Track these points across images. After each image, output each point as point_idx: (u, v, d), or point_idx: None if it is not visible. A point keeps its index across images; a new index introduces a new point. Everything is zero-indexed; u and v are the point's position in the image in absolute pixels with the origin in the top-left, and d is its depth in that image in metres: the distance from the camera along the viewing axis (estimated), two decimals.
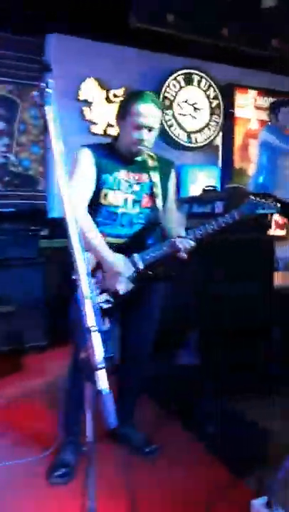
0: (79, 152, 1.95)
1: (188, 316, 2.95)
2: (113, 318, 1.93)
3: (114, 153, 1.98)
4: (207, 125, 4.86)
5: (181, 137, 4.72)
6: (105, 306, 1.89)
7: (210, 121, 4.87)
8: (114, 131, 4.27)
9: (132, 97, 1.95)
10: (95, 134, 4.26)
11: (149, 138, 1.93)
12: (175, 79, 4.64)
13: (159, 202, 2.00)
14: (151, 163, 2.03)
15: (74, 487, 1.81)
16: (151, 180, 2.01)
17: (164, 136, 4.45)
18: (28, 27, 3.82)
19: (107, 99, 4.33)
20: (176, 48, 4.39)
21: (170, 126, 4.62)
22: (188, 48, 4.35)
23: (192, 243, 1.93)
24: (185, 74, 4.69)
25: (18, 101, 4.11)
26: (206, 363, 2.83)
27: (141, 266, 1.92)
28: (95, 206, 1.94)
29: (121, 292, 1.89)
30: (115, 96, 4.32)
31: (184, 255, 1.93)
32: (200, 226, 1.96)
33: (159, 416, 2.46)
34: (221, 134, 4.98)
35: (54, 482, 1.86)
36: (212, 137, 4.91)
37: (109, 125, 4.29)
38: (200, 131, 4.83)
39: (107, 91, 4.31)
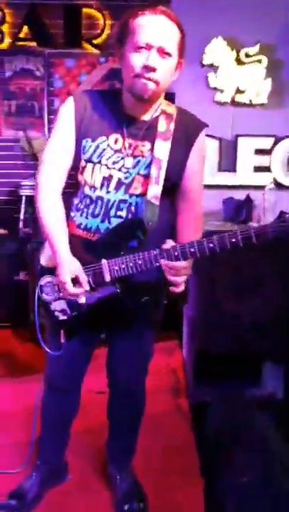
0: (62, 106, 1.45)
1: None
2: (79, 337, 1.54)
3: (109, 107, 1.42)
4: None
5: None
6: (61, 317, 1.51)
7: None
8: (245, 98, 3.64)
9: (131, 12, 1.34)
10: (221, 104, 3.68)
11: (159, 66, 1.29)
12: None
13: (153, 190, 1.37)
14: (164, 123, 1.39)
15: None
16: (153, 154, 1.38)
17: None
18: None
19: (238, 60, 3.66)
20: None
21: None
22: None
23: (178, 263, 1.32)
24: None
25: None
26: None
27: (107, 278, 1.40)
28: (74, 182, 1.50)
29: (80, 302, 1.46)
30: (247, 56, 3.62)
31: (171, 277, 1.33)
32: (200, 240, 1.32)
33: None
34: None
35: None
36: None
37: (239, 91, 3.64)
38: None
39: (238, 51, 3.64)
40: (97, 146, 1.41)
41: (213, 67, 3.68)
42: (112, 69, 4.16)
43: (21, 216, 3.79)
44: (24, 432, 1.81)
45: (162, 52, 1.30)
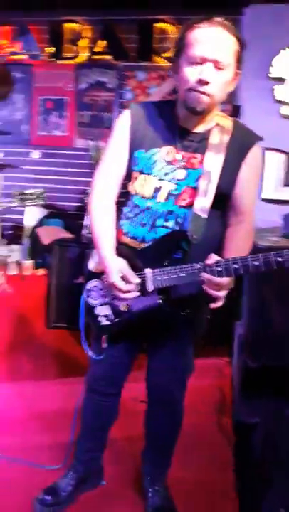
0: (119, 117, 1.50)
1: None
2: (120, 344, 1.57)
3: (163, 118, 1.44)
4: None
5: None
6: (103, 322, 1.55)
7: None
8: None
9: (188, 24, 1.34)
10: (287, 117, 3.59)
11: (214, 80, 1.28)
12: None
13: (200, 202, 1.37)
14: (217, 135, 1.39)
15: None
16: (203, 166, 1.39)
17: None
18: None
19: None
20: None
21: None
22: None
23: (220, 279, 1.30)
24: None
25: None
26: None
27: (150, 287, 1.41)
28: (127, 192, 1.54)
29: (122, 309, 1.49)
30: None
31: (212, 291, 1.33)
32: (244, 256, 1.30)
33: None
34: None
35: (34, 507, 1.67)
36: None
37: None
38: None
39: None
40: (150, 158, 1.43)
41: (280, 80, 3.61)
42: None
43: (85, 222, 3.91)
44: (66, 432, 1.86)
45: (217, 66, 1.30)
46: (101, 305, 1.53)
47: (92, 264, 1.59)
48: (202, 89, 1.31)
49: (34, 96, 4.47)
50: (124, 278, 1.40)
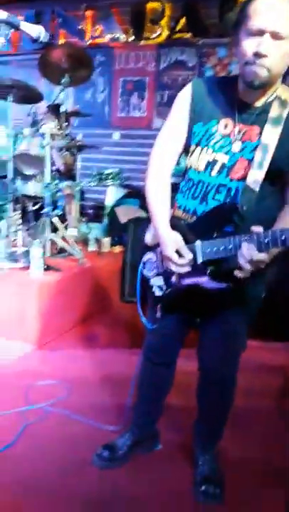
0: (181, 91, 1.47)
1: None
2: (174, 315, 1.62)
3: (224, 93, 1.42)
4: None
5: None
6: (157, 292, 1.61)
7: None
8: None
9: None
10: None
11: (272, 52, 1.23)
12: None
13: (254, 175, 1.34)
14: (277, 109, 1.34)
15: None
16: (260, 139, 1.33)
17: None
18: None
19: None
20: None
21: None
22: None
23: (258, 254, 1.25)
24: None
25: None
26: None
27: (199, 259, 1.42)
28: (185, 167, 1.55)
29: (174, 280, 1.54)
30: None
31: (245, 265, 1.29)
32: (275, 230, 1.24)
33: None
34: None
35: (93, 459, 1.81)
36: None
37: None
38: None
39: None
40: (207, 130, 1.42)
41: None
42: None
43: None
44: (128, 397, 1.97)
45: (276, 37, 1.22)
46: (155, 276, 1.59)
47: (148, 238, 1.65)
48: (259, 61, 1.25)
49: (115, 78, 4.59)
50: (178, 252, 1.43)
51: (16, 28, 1.65)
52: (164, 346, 1.70)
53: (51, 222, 3.33)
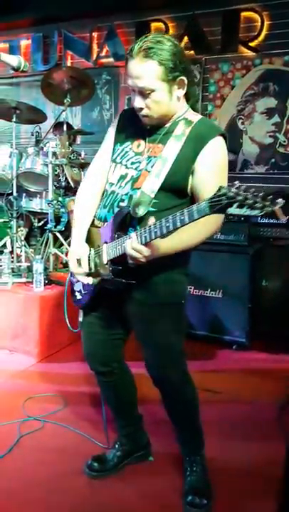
0: (114, 119, 1.73)
1: None
2: (96, 319, 1.71)
3: (139, 119, 1.57)
4: None
5: None
6: (78, 296, 1.72)
7: None
8: None
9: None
10: None
11: (146, 104, 1.45)
12: None
13: (149, 182, 1.47)
14: (181, 128, 1.50)
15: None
16: (161, 153, 1.50)
17: None
18: None
19: None
20: None
21: None
22: None
23: (142, 247, 1.36)
24: None
25: None
26: None
27: (104, 260, 1.52)
28: None
29: (85, 282, 1.63)
30: None
31: (130, 260, 1.40)
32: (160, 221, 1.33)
33: None
34: None
35: (84, 470, 1.84)
36: None
37: None
38: None
39: None
40: (122, 150, 1.60)
41: None
42: (266, 70, 4.11)
43: None
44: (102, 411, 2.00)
45: (143, 93, 1.43)
46: (77, 282, 1.69)
47: None
48: (140, 114, 1.49)
49: (121, 96, 4.69)
50: (78, 261, 1.59)
51: None
52: (94, 351, 1.77)
53: (55, 237, 3.40)
